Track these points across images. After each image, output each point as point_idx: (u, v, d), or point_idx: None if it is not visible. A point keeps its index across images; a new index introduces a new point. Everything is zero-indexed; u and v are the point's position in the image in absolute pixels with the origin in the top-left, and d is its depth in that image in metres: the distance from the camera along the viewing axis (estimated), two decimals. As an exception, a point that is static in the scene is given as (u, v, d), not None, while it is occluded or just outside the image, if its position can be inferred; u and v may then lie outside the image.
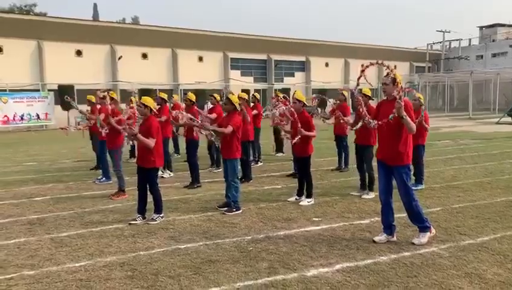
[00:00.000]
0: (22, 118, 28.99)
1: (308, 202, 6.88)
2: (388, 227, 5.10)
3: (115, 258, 4.65)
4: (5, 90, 29.02)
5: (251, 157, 10.54)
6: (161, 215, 6.07)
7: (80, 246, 5.07)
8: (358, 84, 5.49)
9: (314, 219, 6.07)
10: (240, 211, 6.43)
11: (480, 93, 42.93)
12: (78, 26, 34.80)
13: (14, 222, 6.19)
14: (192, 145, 8.45)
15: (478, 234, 5.25)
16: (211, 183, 8.59)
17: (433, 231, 5.08)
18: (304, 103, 6.93)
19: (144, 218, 6.01)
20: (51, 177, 9.75)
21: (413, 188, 5.43)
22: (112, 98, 7.97)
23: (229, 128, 6.41)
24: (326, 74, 47.16)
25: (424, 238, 4.97)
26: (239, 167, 6.64)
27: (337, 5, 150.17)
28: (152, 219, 5.98)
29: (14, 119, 28.70)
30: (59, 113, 29.55)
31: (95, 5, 75.71)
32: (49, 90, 31.24)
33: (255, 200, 7.21)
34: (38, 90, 31.08)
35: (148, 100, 6.08)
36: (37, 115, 29.51)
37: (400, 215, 5.96)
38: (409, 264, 4.37)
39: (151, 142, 5.82)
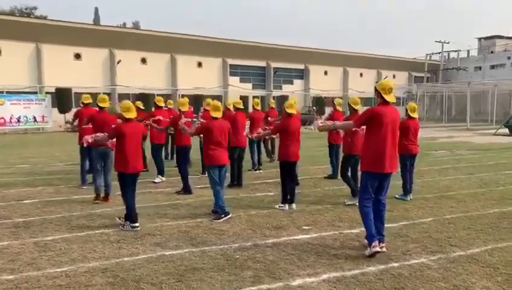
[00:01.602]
0: (18, 120, 28.86)
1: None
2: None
3: (97, 264, 4.55)
4: (2, 92, 28.93)
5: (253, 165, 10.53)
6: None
7: (63, 250, 4.97)
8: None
9: (304, 227, 5.98)
10: (229, 215, 6.36)
11: (478, 105, 43.00)
12: (77, 30, 34.85)
13: (-1, 224, 6.09)
14: (180, 151, 8.37)
15: (469, 246, 5.17)
16: (202, 189, 8.49)
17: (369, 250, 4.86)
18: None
19: None
20: (42, 181, 9.65)
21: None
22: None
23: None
24: (325, 82, 47.25)
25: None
26: (213, 174, 6.47)
27: (337, 13, 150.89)
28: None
29: (10, 121, 28.59)
30: (56, 116, 29.50)
31: (96, 9, 76.03)
32: (46, 92, 31.17)
33: (246, 207, 7.13)
34: (35, 93, 31.00)
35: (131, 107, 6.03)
36: (34, 118, 29.38)
37: (391, 225, 5.92)
38: (397, 275, 4.29)
39: None
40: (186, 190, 8.16)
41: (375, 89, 4.96)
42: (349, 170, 7.37)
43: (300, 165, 9.22)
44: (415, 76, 53.68)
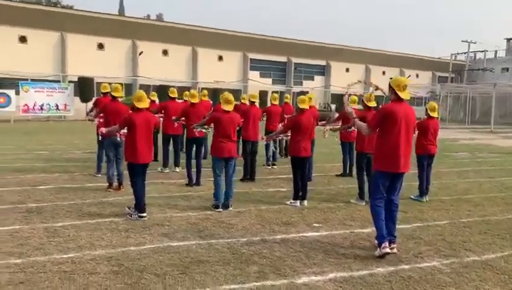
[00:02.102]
0: (41, 108, 29.37)
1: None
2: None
3: (103, 252, 4.56)
4: (27, 80, 29.49)
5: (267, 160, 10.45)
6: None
7: (71, 237, 5.00)
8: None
9: (314, 224, 5.88)
10: (218, 209, 6.35)
11: (503, 107, 41.88)
12: (101, 20, 35.24)
13: (13, 208, 6.17)
14: (189, 142, 8.32)
15: (484, 251, 4.99)
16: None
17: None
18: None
19: None
20: (59, 167, 9.78)
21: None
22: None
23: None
24: (346, 79, 46.53)
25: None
26: (215, 165, 6.50)
27: (359, 10, 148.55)
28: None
29: (33, 108, 29.10)
30: (78, 105, 29.94)
31: (121, 1, 76.58)
32: (69, 81, 31.66)
33: (257, 201, 7.06)
34: (59, 81, 31.52)
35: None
36: (56, 106, 29.84)
37: (404, 226, 5.77)
38: (407, 278, 4.16)
39: None
40: (189, 181, 8.13)
41: (389, 85, 4.80)
42: (364, 169, 7.20)
43: (314, 161, 9.15)
44: (439, 76, 52.61)
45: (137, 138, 5.77)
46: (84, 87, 30.79)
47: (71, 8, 47.10)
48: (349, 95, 6.96)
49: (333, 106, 38.47)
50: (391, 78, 4.94)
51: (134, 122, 5.79)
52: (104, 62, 34.72)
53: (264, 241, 5.07)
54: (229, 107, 6.46)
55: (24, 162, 10.48)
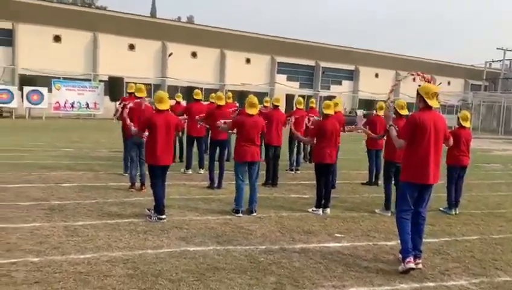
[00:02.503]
0: (72, 106, 30.04)
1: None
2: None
3: (120, 253, 4.52)
4: (59, 78, 30.25)
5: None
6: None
7: (90, 237, 4.99)
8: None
9: (336, 234, 5.70)
10: (239, 214, 6.25)
11: (540, 118, 40.24)
12: (132, 21, 35.93)
13: (36, 205, 6.24)
14: (213, 144, 8.24)
15: (517, 271, 4.70)
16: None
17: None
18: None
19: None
20: (84, 165, 9.90)
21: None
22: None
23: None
24: (375, 84, 45.98)
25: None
26: (237, 169, 6.44)
27: (389, 14, 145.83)
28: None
29: (65, 106, 29.81)
30: (107, 104, 30.51)
31: (154, 2, 78.00)
32: (100, 80, 32.32)
33: (278, 207, 6.92)
34: (89, 80, 32.20)
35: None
36: (87, 104, 30.47)
37: (431, 240, 5.53)
38: (432, 296, 3.95)
39: None
40: (211, 183, 8.07)
41: (417, 93, 4.58)
42: (393, 178, 6.94)
43: (339, 168, 8.94)
44: (471, 84, 51.15)
45: (157, 139, 5.73)
46: (114, 87, 31.32)
47: (104, 9, 48.16)
48: (392, 101, 6.80)
49: (360, 112, 37.83)
50: (419, 86, 4.71)
51: (155, 123, 5.75)
52: (134, 62, 35.32)
53: (283, 250, 4.93)
54: (253, 111, 6.36)
55: (52, 159, 10.67)
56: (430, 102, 4.48)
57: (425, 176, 4.48)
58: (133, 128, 6.49)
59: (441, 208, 7.25)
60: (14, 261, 4.16)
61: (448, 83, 48.38)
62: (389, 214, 6.69)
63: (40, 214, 5.83)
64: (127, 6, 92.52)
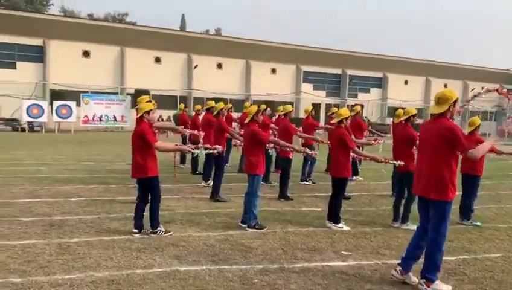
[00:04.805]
0: (100, 119, 30.73)
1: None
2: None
3: (107, 274, 4.30)
4: (87, 92, 30.98)
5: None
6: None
7: (81, 255, 4.81)
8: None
9: (343, 252, 5.31)
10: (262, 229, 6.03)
11: None
12: (158, 35, 36.47)
13: (37, 221, 6.15)
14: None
15: (542, 296, 4.20)
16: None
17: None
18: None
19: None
20: (97, 179, 9.87)
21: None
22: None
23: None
24: (404, 91, 44.90)
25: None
26: (259, 184, 6.27)
27: (416, 21, 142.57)
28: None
29: (93, 119, 30.52)
30: (134, 116, 30.98)
31: (183, 16, 79.15)
32: (127, 94, 32.90)
33: (285, 222, 6.56)
34: (116, 94, 32.84)
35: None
36: (114, 117, 31.10)
37: (447, 258, 5.05)
38: (439, 326, 3.52)
39: None
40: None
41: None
42: (406, 190, 6.50)
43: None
44: (508, 89, 49.07)
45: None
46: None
47: (134, 24, 49.27)
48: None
49: (389, 120, 36.85)
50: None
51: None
52: (160, 75, 35.82)
53: (281, 270, 4.59)
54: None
55: (68, 172, 10.72)
56: (431, 108, 4.10)
57: (418, 188, 4.22)
58: None
59: (464, 222, 6.74)
60: (-5, 282, 4.02)
61: (482, 88, 46.66)
62: (415, 227, 6.21)
63: (38, 230, 5.72)
64: (156, 21, 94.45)
